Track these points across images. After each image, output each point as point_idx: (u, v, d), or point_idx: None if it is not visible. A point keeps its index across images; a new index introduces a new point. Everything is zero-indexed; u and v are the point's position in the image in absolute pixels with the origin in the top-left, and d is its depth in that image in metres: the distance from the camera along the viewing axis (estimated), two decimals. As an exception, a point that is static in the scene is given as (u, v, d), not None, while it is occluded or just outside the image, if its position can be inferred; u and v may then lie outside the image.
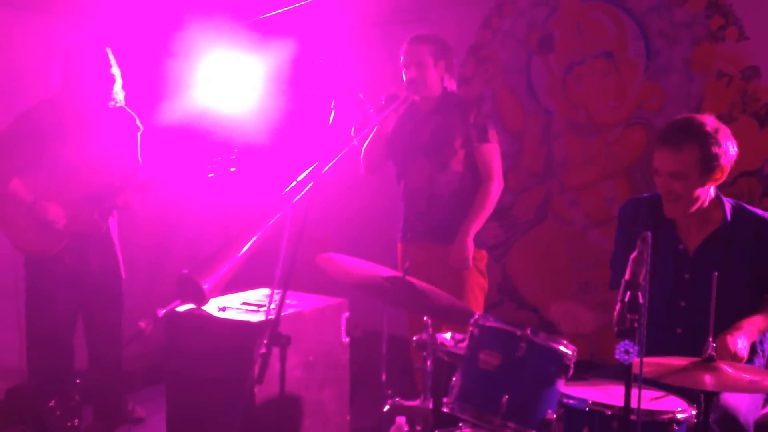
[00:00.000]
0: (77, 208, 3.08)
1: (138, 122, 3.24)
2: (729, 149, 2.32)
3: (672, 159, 2.30)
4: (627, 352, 1.63)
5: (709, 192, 2.38)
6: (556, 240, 4.20)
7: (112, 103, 3.20)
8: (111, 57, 3.19)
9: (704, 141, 2.28)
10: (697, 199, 2.35)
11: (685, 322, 2.39)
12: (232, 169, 3.12)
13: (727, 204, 2.41)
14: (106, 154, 3.13)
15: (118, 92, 3.22)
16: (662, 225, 2.44)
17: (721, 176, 2.34)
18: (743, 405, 2.24)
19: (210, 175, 3.11)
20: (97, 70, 3.12)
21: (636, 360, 1.67)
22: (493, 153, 3.11)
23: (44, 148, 3.07)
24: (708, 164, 2.29)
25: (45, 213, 3.02)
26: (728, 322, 2.24)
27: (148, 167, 3.26)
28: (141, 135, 3.27)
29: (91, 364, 3.33)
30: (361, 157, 3.23)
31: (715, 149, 2.28)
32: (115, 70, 3.20)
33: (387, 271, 2.42)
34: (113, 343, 3.28)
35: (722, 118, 2.47)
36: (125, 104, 3.27)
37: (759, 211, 2.41)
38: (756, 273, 2.35)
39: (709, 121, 2.33)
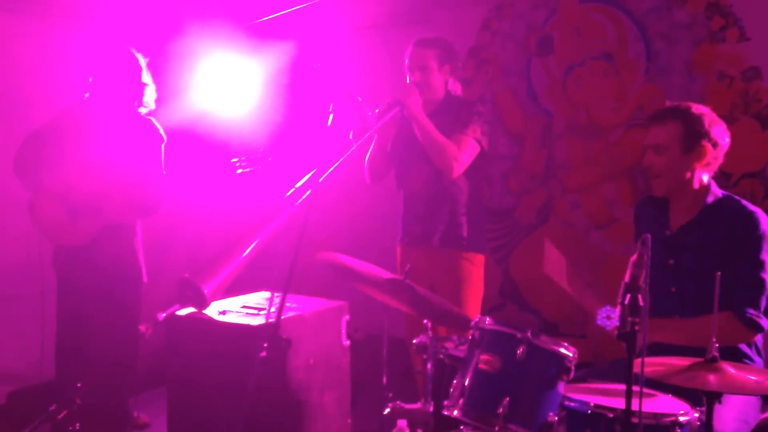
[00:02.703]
0: (105, 200, 3.10)
1: (162, 132, 3.27)
2: (714, 132, 2.37)
3: (656, 132, 2.40)
4: (608, 317, 1.64)
5: (700, 178, 2.40)
6: (559, 242, 4.17)
7: (141, 109, 3.24)
8: (143, 64, 3.22)
9: (687, 119, 2.37)
10: (680, 177, 2.38)
11: (679, 309, 2.39)
12: (260, 167, 3.13)
13: (717, 193, 2.42)
14: (130, 158, 3.16)
15: (150, 101, 3.26)
16: (659, 215, 2.48)
17: (705, 157, 2.37)
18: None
19: (239, 171, 3.13)
20: (125, 76, 3.17)
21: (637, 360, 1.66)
22: (463, 142, 2.99)
23: (73, 147, 3.11)
24: (690, 141, 2.36)
25: (79, 201, 3.06)
26: (706, 307, 2.21)
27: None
28: (164, 146, 3.30)
29: (99, 366, 3.32)
30: (366, 165, 3.21)
31: (697, 127, 2.36)
32: (147, 78, 3.23)
33: (387, 274, 2.42)
34: (126, 344, 3.28)
35: (724, 119, 2.48)
36: (153, 114, 3.31)
37: (745, 203, 2.39)
38: (724, 261, 2.32)
39: (698, 107, 2.41)
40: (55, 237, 3.15)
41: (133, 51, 3.22)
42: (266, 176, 4.34)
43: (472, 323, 2.15)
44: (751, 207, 2.37)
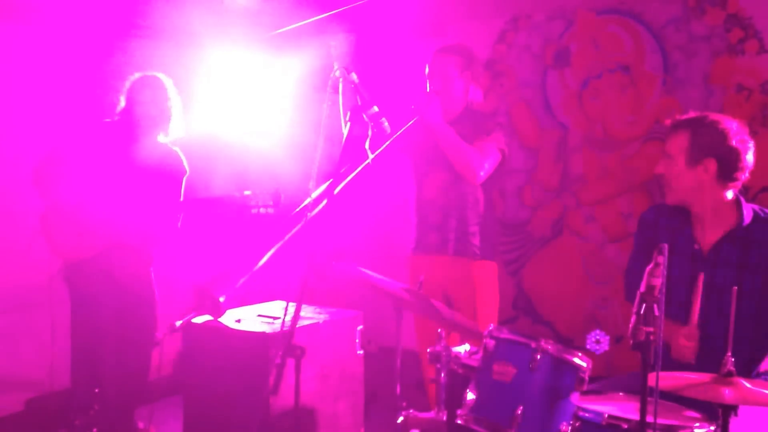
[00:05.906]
0: (113, 223, 3.13)
1: (185, 165, 3.31)
2: (733, 144, 2.27)
3: (669, 140, 2.36)
4: (597, 341, 1.61)
5: (722, 194, 2.35)
6: (573, 255, 4.18)
7: (168, 138, 3.28)
8: (170, 90, 3.26)
9: (697, 131, 2.29)
10: (687, 188, 2.34)
11: (701, 324, 2.35)
12: (271, 211, 3.16)
13: (747, 207, 2.39)
14: (148, 189, 3.19)
15: (176, 128, 3.29)
16: (680, 227, 2.43)
17: (711, 174, 2.30)
18: None
19: (253, 212, 3.16)
20: (153, 104, 3.21)
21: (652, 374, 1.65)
22: (486, 149, 2.98)
23: (92, 164, 3.15)
24: (695, 154, 2.29)
25: (86, 217, 3.09)
26: (746, 326, 2.21)
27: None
28: (186, 179, 3.34)
29: (112, 377, 3.34)
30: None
31: (705, 140, 2.28)
32: (174, 104, 3.26)
33: (403, 284, 2.42)
34: (139, 360, 3.30)
35: (742, 132, 2.45)
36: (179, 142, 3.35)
37: None
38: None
39: (718, 117, 2.33)
40: (58, 248, 3.16)
41: (164, 79, 3.25)
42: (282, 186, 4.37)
43: (486, 332, 2.15)
44: None
